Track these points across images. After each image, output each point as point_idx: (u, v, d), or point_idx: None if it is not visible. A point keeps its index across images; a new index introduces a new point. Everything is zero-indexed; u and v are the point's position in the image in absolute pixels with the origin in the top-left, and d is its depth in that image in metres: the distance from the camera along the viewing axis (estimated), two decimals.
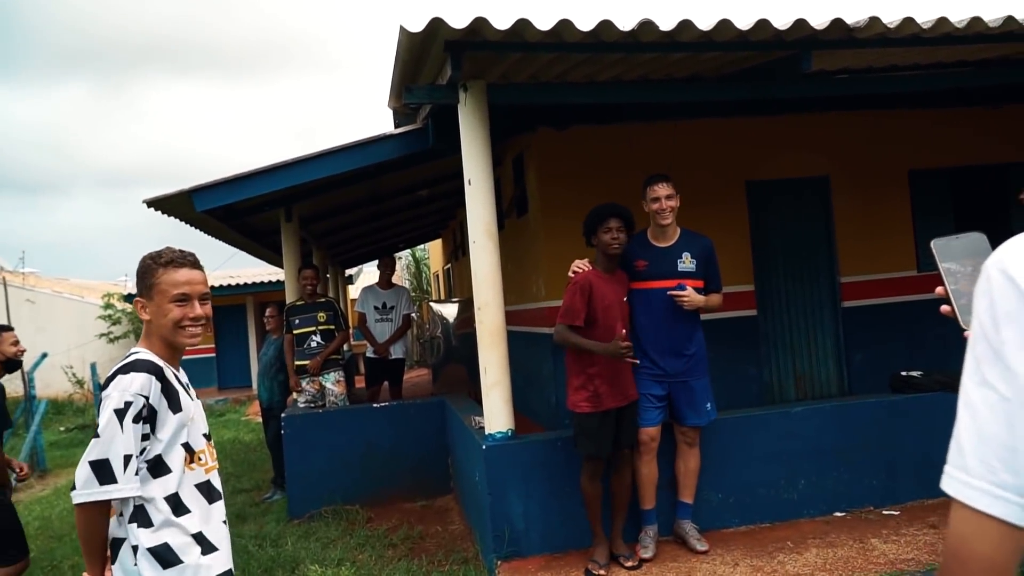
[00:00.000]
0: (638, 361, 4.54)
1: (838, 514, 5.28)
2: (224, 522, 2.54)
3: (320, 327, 7.49)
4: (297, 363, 7.52)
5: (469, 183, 4.91)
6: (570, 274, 4.64)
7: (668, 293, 4.61)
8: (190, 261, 2.49)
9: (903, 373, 5.56)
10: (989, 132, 7.54)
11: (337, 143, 6.62)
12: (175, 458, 2.40)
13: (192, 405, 2.51)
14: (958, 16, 4.84)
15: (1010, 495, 0.86)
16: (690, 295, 4.58)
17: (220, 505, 2.54)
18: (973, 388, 0.90)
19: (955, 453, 0.92)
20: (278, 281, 18.26)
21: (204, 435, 2.54)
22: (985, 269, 0.91)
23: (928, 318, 7.76)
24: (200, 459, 2.48)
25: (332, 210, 9.72)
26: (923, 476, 5.37)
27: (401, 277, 26.98)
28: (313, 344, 7.46)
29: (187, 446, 2.44)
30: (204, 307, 2.48)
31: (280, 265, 12.29)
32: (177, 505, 2.39)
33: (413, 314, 9.55)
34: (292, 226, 8.22)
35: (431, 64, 4.90)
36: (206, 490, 2.48)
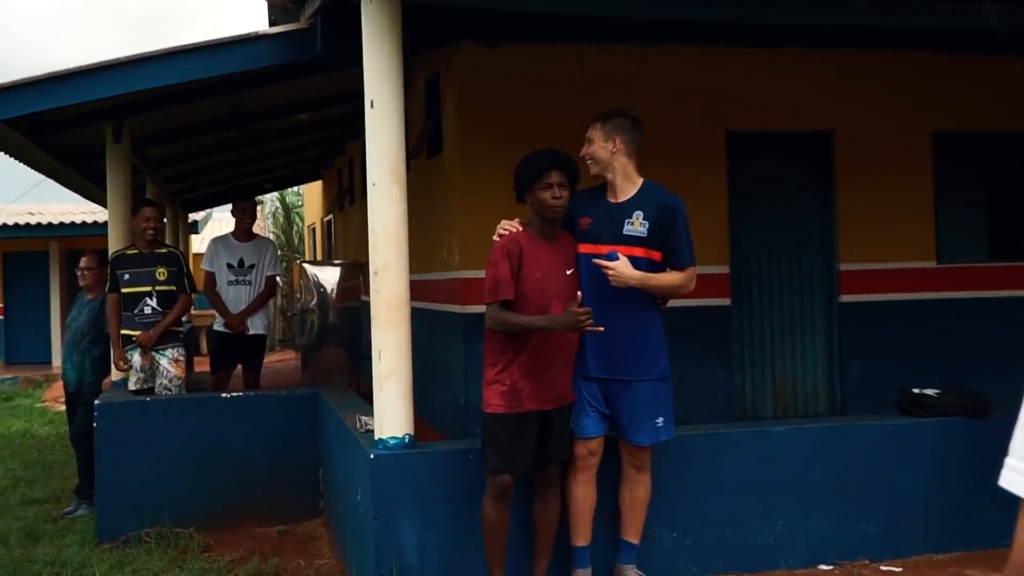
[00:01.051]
0: (602, 328, 4.51)
1: (824, 567, 5.37)
2: None
3: (158, 287, 7.30)
4: (124, 332, 7.32)
5: (371, 106, 4.82)
6: (495, 238, 4.61)
7: (593, 261, 4.62)
8: None
9: (915, 391, 5.69)
10: None
11: (193, 41, 6.46)
12: None
13: None
14: None
15: None
16: (618, 268, 4.55)
17: None
18: None
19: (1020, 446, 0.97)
20: (97, 223, 17.75)
21: None
22: None
23: (948, 323, 8.08)
24: None
25: (177, 131, 9.51)
26: (934, 523, 5.49)
27: (264, 228, 26.55)
28: (147, 309, 7.29)
29: None
30: None
31: (101, 201, 11.95)
32: None
33: (279, 277, 9.42)
34: (122, 149, 7.99)
35: None
36: None
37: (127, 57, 6.29)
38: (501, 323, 4.53)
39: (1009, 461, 0.97)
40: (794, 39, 7.04)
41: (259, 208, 28.99)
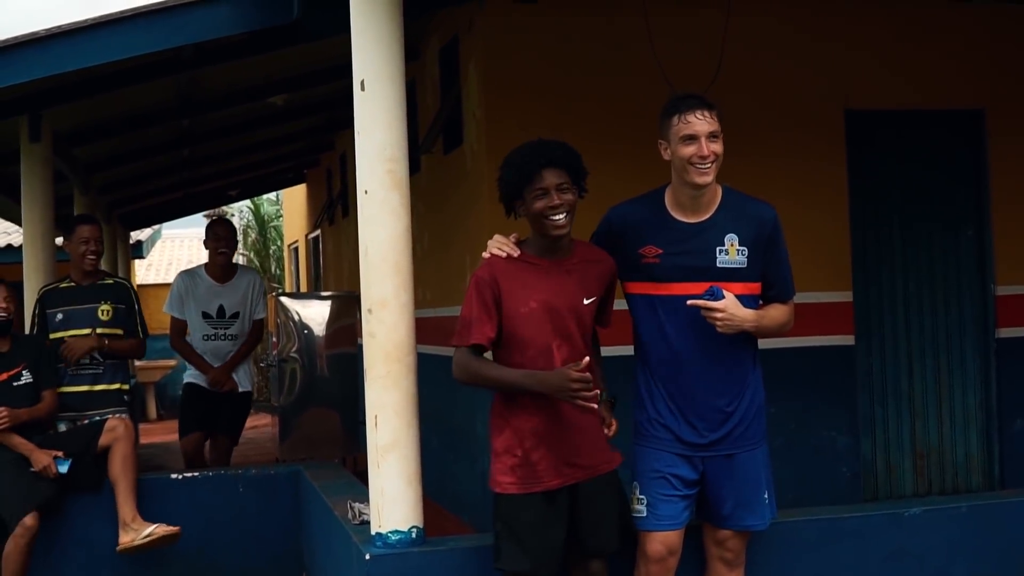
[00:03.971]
0: (595, 406, 4.50)
1: None
2: None
3: (101, 329, 7.29)
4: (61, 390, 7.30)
5: (362, 87, 4.86)
6: (485, 255, 4.60)
7: (689, 303, 4.57)
8: None
9: None
10: None
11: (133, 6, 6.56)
12: None
13: None
14: None
15: None
16: (730, 308, 4.56)
17: None
18: None
19: None
20: (11, 247, 17.94)
21: None
22: None
23: None
24: None
25: (113, 124, 9.64)
26: None
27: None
28: (85, 360, 7.28)
29: None
30: None
31: (14, 218, 12.11)
32: None
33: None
34: (40, 149, 8.09)
35: None
36: None
37: (46, 31, 6.36)
38: (470, 374, 4.50)
39: None
40: None
41: (236, 229, 29.30)
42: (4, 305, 6.76)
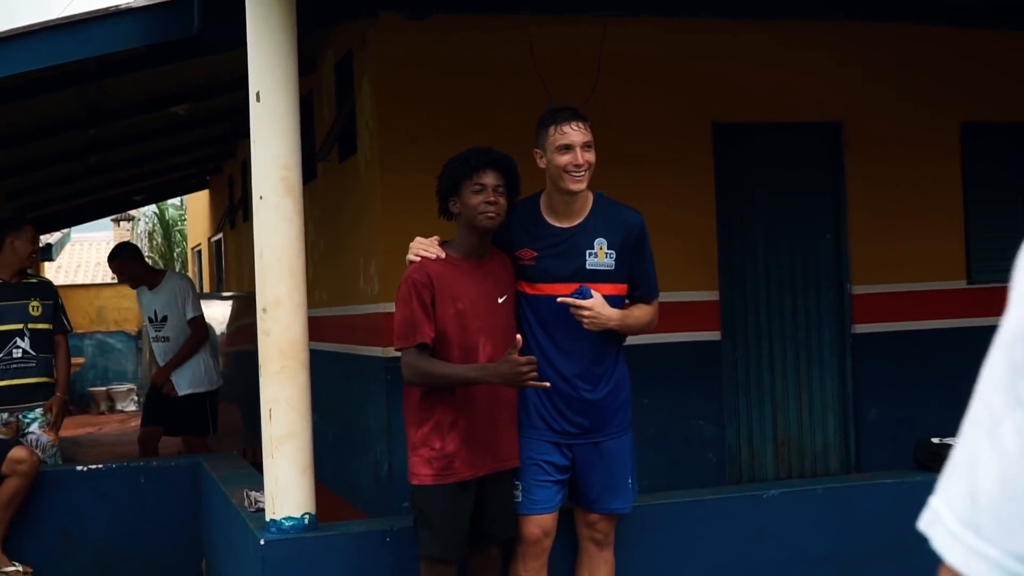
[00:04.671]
0: (548, 384, 4.58)
1: None
2: None
3: (32, 324, 7.25)
4: None
5: (257, 99, 4.85)
6: (411, 258, 4.65)
7: (559, 300, 4.65)
8: None
9: (934, 440, 5.82)
10: None
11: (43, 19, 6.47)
12: None
13: None
14: None
15: None
16: (596, 308, 4.64)
17: None
18: (1004, 409, 0.99)
19: (960, 498, 1.01)
20: None
21: None
22: None
23: (979, 357, 8.08)
24: None
25: (19, 134, 9.47)
26: None
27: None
28: (17, 352, 7.16)
29: None
30: None
31: None
32: None
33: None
34: None
35: None
36: None
37: None
38: (420, 373, 4.54)
39: (941, 511, 1.02)
40: (797, 8, 7.21)
41: (133, 225, 28.96)
42: None
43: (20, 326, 7.19)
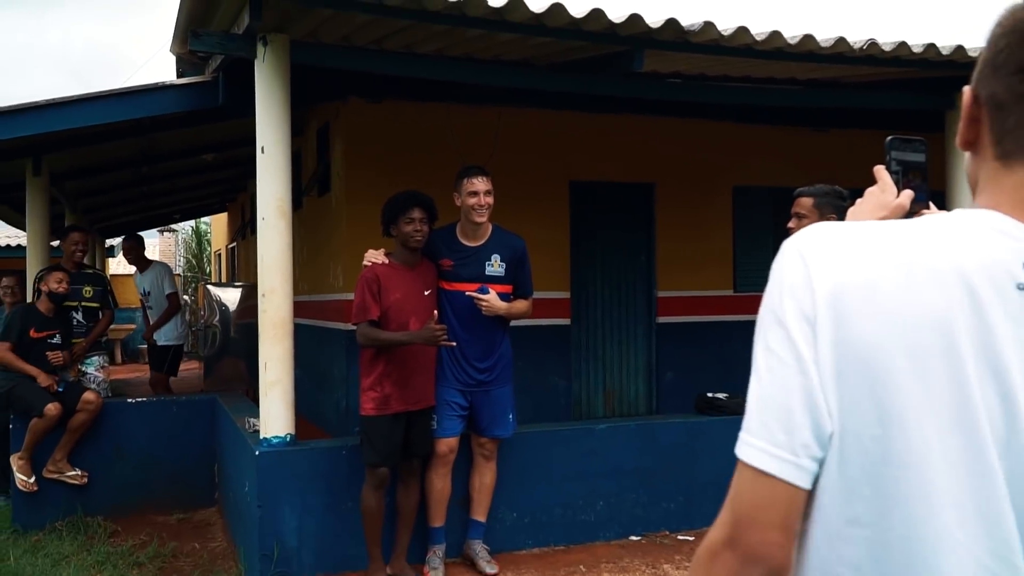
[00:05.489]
0: (455, 343, 4.68)
1: (634, 538, 5.61)
2: None
3: (84, 303, 7.17)
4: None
5: (262, 151, 4.84)
6: (365, 263, 4.70)
7: (467, 294, 4.77)
8: None
9: (709, 395, 5.98)
10: (813, 154, 8.21)
11: (113, 87, 6.32)
12: None
13: None
14: (791, 32, 5.30)
15: (784, 453, 1.03)
16: (491, 300, 4.74)
17: None
18: (760, 354, 1.07)
19: (744, 418, 1.08)
20: (14, 246, 16.92)
21: None
22: (783, 248, 1.10)
23: (740, 341, 8.43)
24: None
25: (94, 168, 9.25)
26: (719, 501, 5.75)
27: (175, 254, 25.86)
28: (74, 323, 7.08)
29: None
30: None
31: (19, 225, 11.46)
32: None
33: (186, 296, 9.35)
34: (40, 182, 7.74)
35: (227, 7, 4.77)
36: None
37: (45, 101, 6.09)
38: (369, 339, 4.61)
39: (742, 435, 1.07)
40: (625, 106, 7.32)
41: (174, 235, 28.28)
42: (57, 286, 6.60)
43: (75, 303, 7.14)
